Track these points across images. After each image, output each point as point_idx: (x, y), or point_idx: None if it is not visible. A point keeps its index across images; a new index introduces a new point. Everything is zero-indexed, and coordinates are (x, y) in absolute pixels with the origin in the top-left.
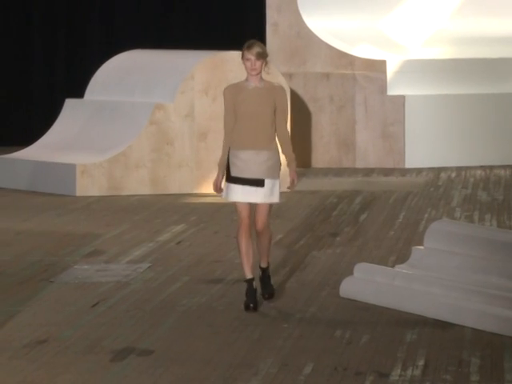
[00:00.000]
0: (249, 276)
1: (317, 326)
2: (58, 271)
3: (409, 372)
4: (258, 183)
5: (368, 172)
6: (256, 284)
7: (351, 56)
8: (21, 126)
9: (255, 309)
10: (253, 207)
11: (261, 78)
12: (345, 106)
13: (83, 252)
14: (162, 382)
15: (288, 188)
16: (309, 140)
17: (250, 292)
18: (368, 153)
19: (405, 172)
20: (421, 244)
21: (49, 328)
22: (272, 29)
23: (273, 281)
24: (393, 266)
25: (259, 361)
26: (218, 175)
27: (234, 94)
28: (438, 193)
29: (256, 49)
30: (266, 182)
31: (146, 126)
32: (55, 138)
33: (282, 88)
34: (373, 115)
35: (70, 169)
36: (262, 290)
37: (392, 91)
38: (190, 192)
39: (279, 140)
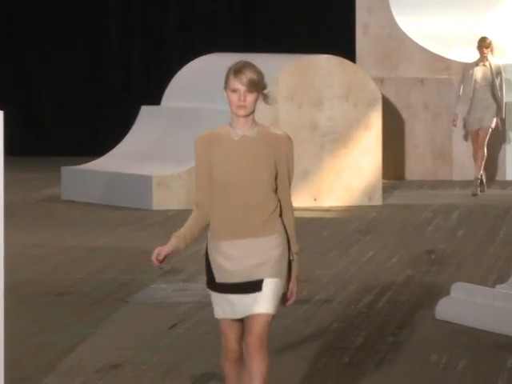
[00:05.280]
0: None
1: (410, 350)
2: (133, 290)
3: None
4: (254, 286)
5: (466, 185)
6: None
7: (447, 60)
8: (94, 135)
9: None
10: (244, 321)
11: (253, 121)
12: (441, 113)
13: (160, 270)
14: None
15: (282, 303)
16: (402, 150)
17: None
18: (466, 164)
19: (506, 185)
20: None
21: (123, 351)
22: (362, 30)
23: (364, 301)
24: (493, 286)
25: None
26: (166, 244)
27: (210, 148)
28: None
29: (247, 74)
30: (267, 282)
31: None
32: (130, 147)
33: (286, 138)
34: None
35: (146, 181)
36: None
37: None
38: None
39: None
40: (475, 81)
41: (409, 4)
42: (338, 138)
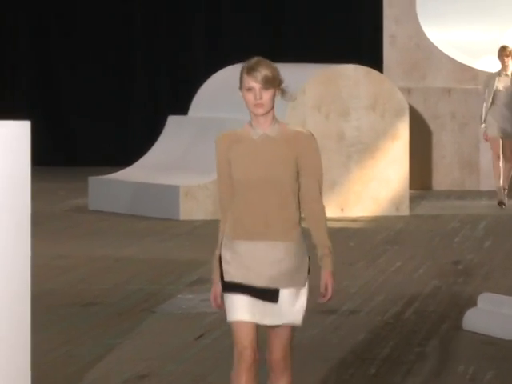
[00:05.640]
0: None
1: (437, 361)
2: (160, 301)
3: None
4: (270, 296)
5: (493, 195)
6: None
7: (475, 70)
8: (121, 145)
9: None
10: (262, 330)
11: (273, 119)
12: (468, 123)
13: (187, 280)
14: None
15: (318, 300)
16: (429, 160)
17: None
18: (493, 174)
19: None
20: None
21: (150, 362)
22: (390, 40)
23: (391, 312)
24: None
25: None
26: (214, 282)
27: (229, 147)
28: None
29: (262, 71)
30: (284, 293)
31: None
32: (157, 157)
33: (309, 136)
34: None
35: (173, 191)
36: None
37: None
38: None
39: (308, 220)
40: (497, 90)
41: (436, 14)
42: (365, 148)
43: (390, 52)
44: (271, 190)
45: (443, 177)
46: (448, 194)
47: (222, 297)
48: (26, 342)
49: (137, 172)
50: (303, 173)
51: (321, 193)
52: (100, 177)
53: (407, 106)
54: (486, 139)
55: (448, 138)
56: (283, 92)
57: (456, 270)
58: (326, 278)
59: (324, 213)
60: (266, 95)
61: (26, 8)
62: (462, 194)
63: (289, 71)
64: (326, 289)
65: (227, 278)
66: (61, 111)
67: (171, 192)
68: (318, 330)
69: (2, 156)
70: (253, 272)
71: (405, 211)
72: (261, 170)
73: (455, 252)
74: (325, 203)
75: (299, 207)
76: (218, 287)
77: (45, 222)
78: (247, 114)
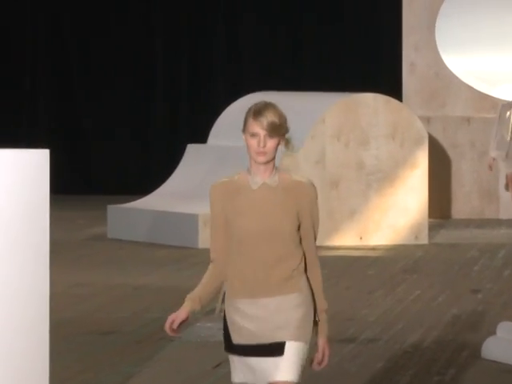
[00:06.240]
0: None
1: None
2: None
3: None
4: (275, 351)
5: None
6: None
7: (494, 98)
8: (139, 174)
9: None
10: None
11: (274, 168)
12: (487, 152)
13: (206, 309)
14: None
15: (312, 366)
16: (448, 189)
17: None
18: None
19: None
20: None
21: None
22: (409, 69)
23: (409, 340)
24: None
25: None
26: (180, 309)
27: (226, 199)
28: None
29: (268, 117)
30: (289, 345)
31: None
32: (176, 186)
33: (310, 186)
34: None
35: (192, 219)
36: None
37: None
38: (320, 244)
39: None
40: None
41: (455, 43)
42: (384, 176)
43: (409, 80)
44: (273, 244)
45: (462, 205)
46: (467, 223)
47: (180, 324)
48: (44, 370)
49: (156, 200)
50: (302, 228)
51: (316, 251)
52: (119, 205)
53: (426, 135)
54: (491, 169)
55: (467, 166)
56: (287, 142)
57: (475, 298)
58: (323, 344)
59: (321, 275)
60: (271, 143)
61: (46, 35)
62: (481, 223)
63: (308, 99)
64: (323, 355)
65: (235, 341)
66: (80, 139)
67: (190, 220)
68: (337, 358)
69: (21, 184)
70: (257, 330)
71: (424, 240)
72: (262, 222)
73: (474, 281)
74: (344, 231)
75: (303, 256)
76: (180, 314)
77: (63, 251)
78: None
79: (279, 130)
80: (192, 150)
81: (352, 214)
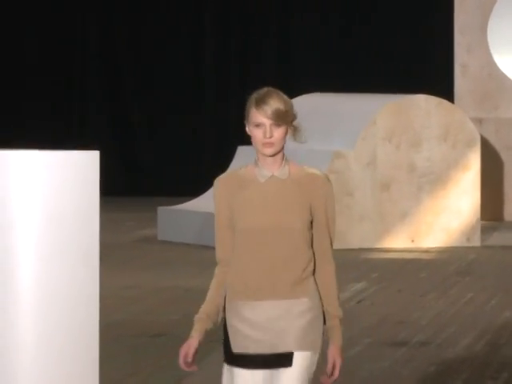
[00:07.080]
0: None
1: None
2: None
3: None
4: (281, 361)
5: None
6: None
7: None
8: (190, 175)
9: None
10: None
11: (283, 159)
12: None
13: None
14: None
15: (322, 381)
16: (501, 191)
17: None
18: None
19: None
20: None
21: None
22: (461, 70)
23: (462, 344)
24: None
25: None
26: (190, 336)
27: (232, 193)
28: None
29: (272, 104)
30: (296, 356)
31: None
32: None
33: (324, 179)
34: None
35: None
36: None
37: None
38: (371, 247)
39: (317, 282)
40: None
41: (508, 43)
42: (436, 179)
43: (461, 81)
44: (281, 242)
45: None
46: None
47: (194, 355)
48: (94, 373)
49: (206, 202)
50: (315, 225)
51: (332, 249)
52: (169, 207)
53: (478, 137)
54: None
55: None
56: (295, 130)
57: None
58: (333, 354)
59: (335, 275)
60: (278, 133)
61: (96, 41)
62: None
63: (359, 101)
64: (334, 367)
65: (236, 349)
66: (131, 142)
67: None
68: (389, 362)
69: (70, 186)
70: (260, 337)
71: (476, 242)
72: (269, 217)
73: None
74: (395, 234)
75: (313, 257)
76: (192, 342)
77: (113, 253)
78: (316, 144)
79: (286, 117)
80: (242, 152)
81: (403, 217)
